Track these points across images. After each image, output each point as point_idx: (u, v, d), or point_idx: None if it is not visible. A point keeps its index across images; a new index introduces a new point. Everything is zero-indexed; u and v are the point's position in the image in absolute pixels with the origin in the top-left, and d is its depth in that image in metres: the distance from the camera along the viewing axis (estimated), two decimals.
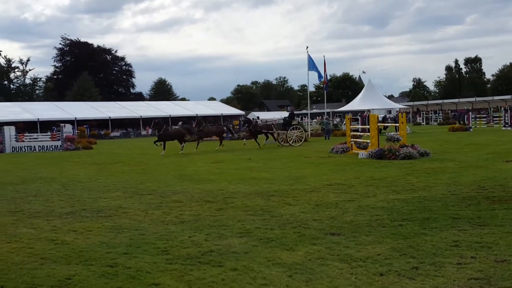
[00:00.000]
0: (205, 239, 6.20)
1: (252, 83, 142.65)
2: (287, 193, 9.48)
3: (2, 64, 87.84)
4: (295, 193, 9.50)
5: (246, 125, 26.73)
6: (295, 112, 47.15)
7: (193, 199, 9.24)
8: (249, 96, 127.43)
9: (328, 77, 42.34)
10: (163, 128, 23.06)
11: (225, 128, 27.72)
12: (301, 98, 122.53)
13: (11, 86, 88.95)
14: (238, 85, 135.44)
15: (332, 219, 7.02)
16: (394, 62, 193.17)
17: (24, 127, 46.96)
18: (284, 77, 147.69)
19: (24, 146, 30.47)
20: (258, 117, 55.60)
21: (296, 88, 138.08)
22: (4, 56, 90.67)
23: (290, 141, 24.66)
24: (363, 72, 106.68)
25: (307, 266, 4.97)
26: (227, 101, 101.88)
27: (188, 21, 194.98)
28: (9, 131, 30.76)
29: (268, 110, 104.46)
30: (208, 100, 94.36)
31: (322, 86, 50.51)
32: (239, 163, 16.45)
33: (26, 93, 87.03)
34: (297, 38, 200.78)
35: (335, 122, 46.79)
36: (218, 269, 4.97)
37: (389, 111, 55.23)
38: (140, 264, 5.22)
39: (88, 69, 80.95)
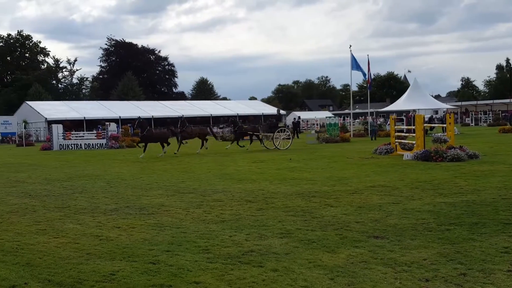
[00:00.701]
0: (245, 238, 6.19)
1: (294, 82, 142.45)
2: (329, 194, 9.35)
3: (51, 64, 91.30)
4: (337, 194, 9.36)
5: (231, 126, 25.61)
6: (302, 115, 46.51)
7: (234, 199, 9.25)
8: (290, 95, 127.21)
9: (372, 77, 41.55)
10: (147, 129, 21.77)
11: (208, 130, 26.83)
12: (344, 97, 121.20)
13: (59, 85, 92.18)
14: (279, 85, 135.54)
15: (376, 222, 6.86)
16: (442, 61, 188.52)
17: (71, 125, 48.46)
18: (326, 76, 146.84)
19: (71, 144, 31.46)
20: (299, 117, 55.32)
21: (338, 87, 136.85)
22: (53, 56, 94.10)
23: (276, 144, 23.80)
24: (409, 71, 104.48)
25: (349, 269, 4.86)
26: (268, 101, 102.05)
27: (231, 21, 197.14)
28: (57, 129, 31.94)
29: (310, 109, 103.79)
30: (249, 99, 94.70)
31: (365, 85, 49.70)
32: (280, 163, 16.40)
33: (73, 92, 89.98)
34: (340, 36, 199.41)
35: (378, 122, 45.97)
36: (259, 269, 4.94)
37: (436, 111, 53.68)
38: (181, 262, 5.25)
39: (132, 69, 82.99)
